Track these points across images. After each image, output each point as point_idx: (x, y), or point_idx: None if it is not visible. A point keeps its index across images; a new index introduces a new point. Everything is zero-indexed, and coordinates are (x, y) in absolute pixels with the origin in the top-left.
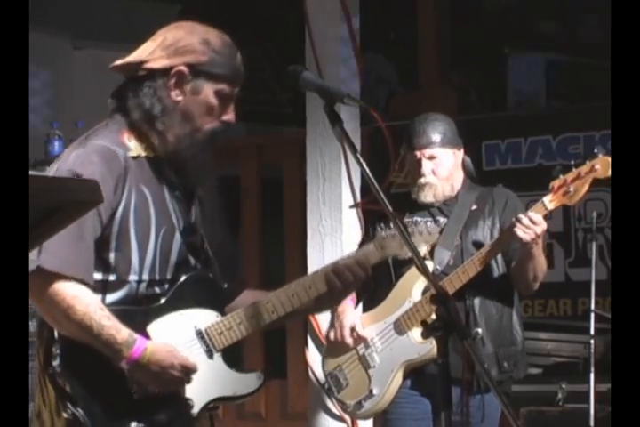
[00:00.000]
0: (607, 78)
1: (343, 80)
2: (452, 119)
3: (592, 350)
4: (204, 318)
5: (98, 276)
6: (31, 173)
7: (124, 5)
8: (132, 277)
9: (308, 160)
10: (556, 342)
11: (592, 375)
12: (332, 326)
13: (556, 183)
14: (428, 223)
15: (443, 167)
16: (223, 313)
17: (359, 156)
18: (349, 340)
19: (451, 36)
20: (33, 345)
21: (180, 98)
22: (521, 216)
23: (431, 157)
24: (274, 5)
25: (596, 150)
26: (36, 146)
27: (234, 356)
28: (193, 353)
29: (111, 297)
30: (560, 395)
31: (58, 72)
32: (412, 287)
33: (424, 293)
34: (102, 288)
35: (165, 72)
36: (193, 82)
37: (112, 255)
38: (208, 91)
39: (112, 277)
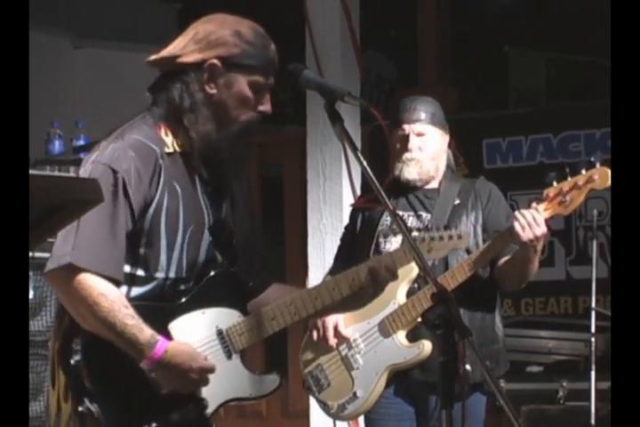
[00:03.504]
0: (607, 76)
1: (343, 79)
2: (453, 118)
3: (593, 348)
4: (226, 317)
5: (126, 268)
6: (31, 172)
7: (125, 5)
8: (160, 275)
9: (309, 159)
10: (557, 340)
11: (593, 373)
12: (314, 325)
13: (551, 191)
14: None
15: (430, 144)
16: (245, 313)
17: (359, 154)
18: (333, 341)
19: (451, 35)
20: (33, 344)
21: (214, 91)
22: (525, 212)
23: (420, 134)
24: (274, 4)
25: (592, 159)
26: (37, 145)
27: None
28: (212, 353)
29: (137, 291)
30: (561, 393)
31: (58, 72)
32: (397, 289)
33: (409, 295)
34: (129, 281)
35: (198, 66)
36: (226, 74)
37: (142, 251)
38: (242, 83)
39: (140, 272)
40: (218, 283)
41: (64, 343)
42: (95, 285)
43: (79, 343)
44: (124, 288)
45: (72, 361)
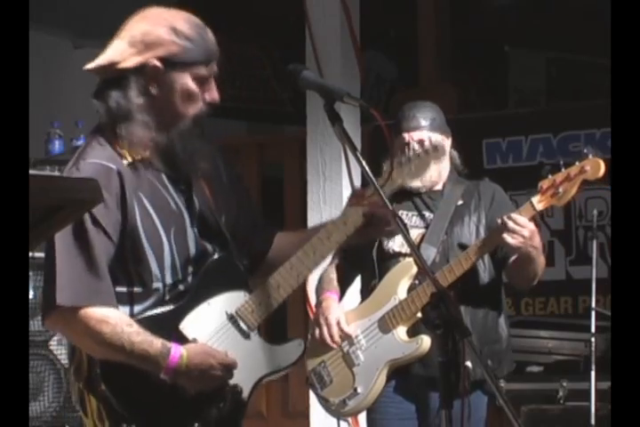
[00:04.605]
0: (607, 76)
1: (343, 79)
2: (453, 117)
3: (593, 348)
4: (232, 301)
5: (122, 289)
6: (31, 172)
7: (125, 4)
8: (157, 285)
9: (309, 159)
10: (557, 340)
11: (593, 373)
12: (316, 323)
13: (544, 183)
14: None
15: None
16: (250, 290)
17: (359, 154)
18: (337, 338)
19: (451, 35)
20: (33, 344)
21: (157, 92)
22: (505, 220)
23: (420, 141)
24: (274, 4)
25: (585, 151)
26: (37, 145)
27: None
28: (229, 338)
29: (139, 307)
30: (561, 393)
31: (58, 72)
32: (398, 285)
33: (409, 290)
34: (129, 299)
35: (139, 69)
36: (168, 73)
37: (132, 268)
38: (185, 78)
39: (137, 289)
40: (213, 271)
41: (89, 377)
42: (92, 314)
43: (99, 369)
44: (127, 308)
45: (99, 386)
